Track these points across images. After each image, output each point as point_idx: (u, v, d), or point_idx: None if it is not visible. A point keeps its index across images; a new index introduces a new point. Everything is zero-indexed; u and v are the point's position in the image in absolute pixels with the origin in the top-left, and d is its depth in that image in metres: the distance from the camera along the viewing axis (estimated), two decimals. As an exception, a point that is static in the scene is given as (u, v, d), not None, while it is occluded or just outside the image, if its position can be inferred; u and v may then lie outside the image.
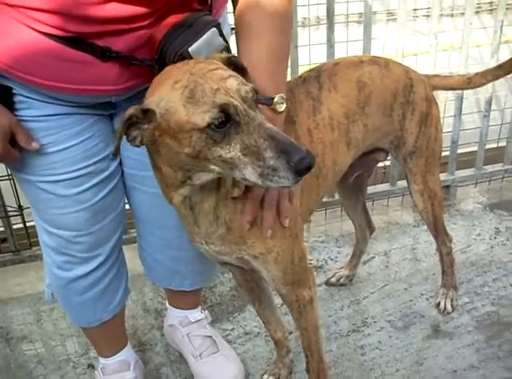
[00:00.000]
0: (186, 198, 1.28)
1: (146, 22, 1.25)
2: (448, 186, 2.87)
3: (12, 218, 2.51)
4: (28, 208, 2.43)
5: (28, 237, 2.53)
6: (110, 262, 1.65)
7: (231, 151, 1.10)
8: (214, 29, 1.25)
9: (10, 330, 2.30)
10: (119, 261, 1.71)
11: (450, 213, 2.80)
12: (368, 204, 2.72)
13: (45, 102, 1.35)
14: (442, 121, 2.48)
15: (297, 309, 1.59)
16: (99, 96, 1.35)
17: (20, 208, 2.45)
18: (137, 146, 1.17)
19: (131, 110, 1.11)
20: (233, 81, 1.12)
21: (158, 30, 1.24)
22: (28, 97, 1.35)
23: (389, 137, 1.79)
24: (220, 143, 1.09)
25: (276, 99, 1.29)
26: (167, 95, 1.11)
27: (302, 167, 1.06)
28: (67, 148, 1.41)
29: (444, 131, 2.77)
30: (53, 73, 1.27)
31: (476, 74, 1.92)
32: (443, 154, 2.86)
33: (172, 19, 1.24)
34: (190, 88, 1.09)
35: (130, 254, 1.95)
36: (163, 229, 1.68)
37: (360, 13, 2.35)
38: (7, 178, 2.39)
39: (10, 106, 1.34)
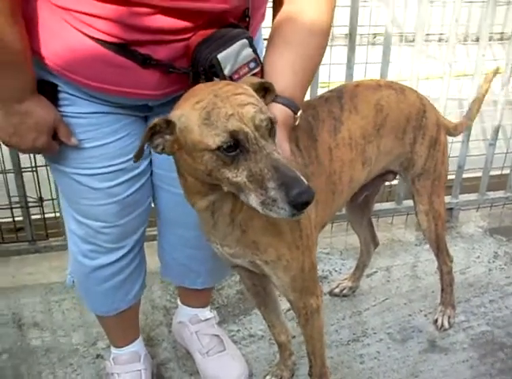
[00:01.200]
0: (210, 204, 1.36)
1: (187, 35, 1.33)
2: (451, 209, 2.97)
3: (31, 209, 2.59)
4: (48, 200, 2.56)
5: (46, 228, 2.62)
6: (132, 254, 1.74)
7: (238, 176, 1.16)
8: (244, 40, 1.32)
9: (22, 317, 2.38)
10: (140, 255, 1.80)
11: (452, 235, 2.90)
12: (373, 220, 2.81)
13: (87, 100, 1.44)
14: (450, 146, 2.59)
15: (304, 316, 1.67)
16: (138, 99, 1.44)
17: (40, 199, 2.54)
18: (159, 153, 1.25)
19: (156, 120, 1.20)
20: (250, 108, 1.16)
21: (193, 39, 1.33)
22: (72, 95, 1.43)
23: (400, 159, 1.88)
24: (229, 166, 1.16)
25: (298, 113, 1.40)
26: (187, 112, 1.19)
27: (298, 202, 1.11)
28: (104, 144, 1.50)
29: (451, 156, 2.90)
30: (99, 76, 1.35)
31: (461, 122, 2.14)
32: (449, 178, 2.98)
33: (207, 31, 1.33)
34: (207, 110, 1.16)
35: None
36: (184, 228, 1.77)
37: (374, 34, 2.45)
38: (30, 170, 2.48)
39: (55, 102, 1.43)
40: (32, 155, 2.42)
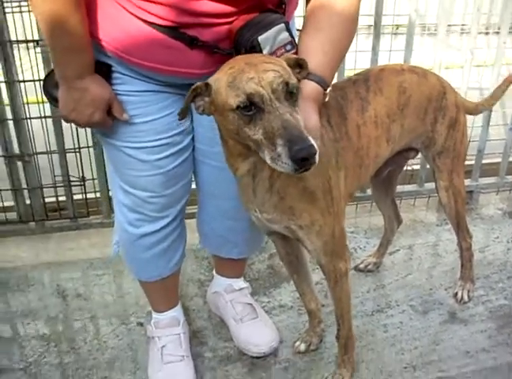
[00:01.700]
0: (251, 167, 1.50)
1: (231, 19, 1.47)
2: (471, 192, 3.09)
3: (73, 188, 2.76)
4: (90, 180, 2.72)
5: (87, 206, 2.78)
6: (175, 223, 1.88)
7: (256, 133, 1.29)
8: (282, 25, 1.47)
9: (65, 288, 2.54)
10: (182, 225, 1.94)
11: (472, 216, 3.02)
12: (396, 202, 2.95)
13: (138, 79, 1.58)
14: (470, 131, 2.71)
15: (334, 279, 1.80)
16: (187, 78, 1.57)
17: (82, 179, 2.70)
18: (201, 114, 1.42)
19: (198, 83, 1.37)
20: (271, 74, 1.29)
21: (236, 23, 1.47)
22: (124, 74, 1.58)
23: (422, 138, 2.00)
24: (248, 125, 1.29)
25: (328, 90, 1.53)
26: (221, 76, 1.34)
27: (298, 157, 1.22)
28: (152, 120, 1.64)
29: (472, 140, 3.02)
30: (152, 56, 1.50)
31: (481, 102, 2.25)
32: (469, 162, 3.09)
33: (248, 15, 1.47)
34: (234, 74, 1.30)
35: None
36: (222, 199, 1.91)
37: (397, 25, 2.56)
38: (73, 151, 2.65)
39: (110, 81, 1.58)
40: (75, 137, 2.58)
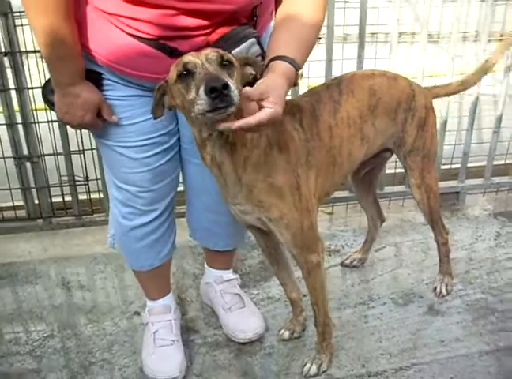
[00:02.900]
0: (212, 158, 1.67)
1: (205, 31, 1.65)
2: (458, 193, 3.22)
3: (78, 187, 2.95)
4: (93, 180, 2.91)
5: (91, 204, 2.98)
6: (164, 217, 2.05)
7: (191, 94, 1.44)
8: (253, 39, 1.66)
9: (70, 280, 2.72)
10: (171, 218, 2.11)
11: (458, 217, 3.16)
12: (385, 203, 3.11)
13: (126, 85, 1.77)
14: (455, 134, 2.84)
15: (306, 270, 1.94)
16: None
17: (86, 179, 2.90)
18: (169, 110, 1.62)
19: (160, 83, 1.57)
20: (209, 50, 1.49)
21: (212, 37, 1.66)
22: (113, 81, 1.76)
23: (394, 138, 2.14)
24: (187, 91, 1.45)
25: (300, 72, 1.67)
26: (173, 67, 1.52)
27: (209, 87, 1.35)
28: (139, 122, 1.82)
29: (458, 143, 3.16)
30: (137, 65, 1.68)
31: (467, 77, 2.34)
32: (455, 166, 3.23)
33: (223, 30, 1.65)
34: (182, 60, 1.49)
35: (178, 227, 2.29)
36: (205, 194, 2.09)
37: (386, 34, 2.72)
38: (78, 152, 2.84)
39: (100, 87, 1.76)
40: (79, 140, 2.78)
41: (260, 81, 1.53)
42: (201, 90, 1.38)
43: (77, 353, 2.27)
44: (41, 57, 2.65)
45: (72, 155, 2.88)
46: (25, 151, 2.90)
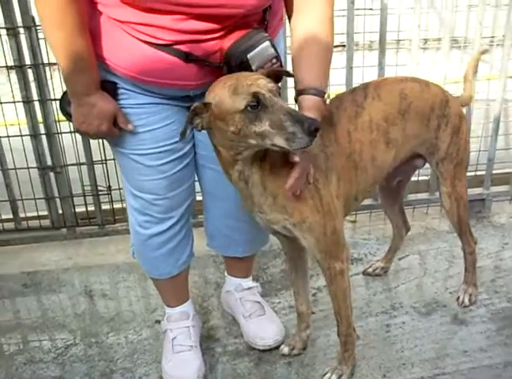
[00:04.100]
0: (240, 173, 1.70)
1: (218, 35, 1.67)
2: (483, 200, 3.17)
3: (101, 197, 2.98)
4: (116, 189, 2.94)
5: (114, 214, 3.00)
6: (180, 224, 2.06)
7: (262, 126, 1.51)
8: (268, 42, 1.68)
9: (93, 289, 2.75)
10: (187, 226, 2.12)
11: (484, 224, 3.11)
12: (409, 210, 3.06)
13: (141, 93, 1.79)
14: (480, 140, 2.80)
15: (329, 277, 1.93)
16: (182, 90, 1.77)
17: (109, 188, 2.93)
18: (199, 130, 1.62)
19: (196, 104, 1.57)
20: (263, 80, 1.55)
21: (226, 41, 1.68)
22: (128, 90, 1.78)
23: (426, 144, 2.12)
24: (254, 121, 1.51)
25: (325, 96, 1.73)
26: (219, 92, 1.56)
27: (311, 129, 1.46)
28: (154, 129, 1.84)
29: (482, 150, 3.12)
30: (151, 72, 1.70)
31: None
32: (480, 173, 3.19)
33: (237, 34, 1.67)
34: (234, 86, 1.53)
35: (197, 237, 2.31)
36: (224, 200, 2.10)
37: (404, 40, 2.70)
38: (100, 162, 2.87)
39: (115, 96, 1.79)
40: (102, 150, 2.81)
41: None
42: (298, 130, 1.47)
43: (98, 361, 2.29)
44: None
45: (95, 165, 2.92)
46: (49, 162, 2.95)
